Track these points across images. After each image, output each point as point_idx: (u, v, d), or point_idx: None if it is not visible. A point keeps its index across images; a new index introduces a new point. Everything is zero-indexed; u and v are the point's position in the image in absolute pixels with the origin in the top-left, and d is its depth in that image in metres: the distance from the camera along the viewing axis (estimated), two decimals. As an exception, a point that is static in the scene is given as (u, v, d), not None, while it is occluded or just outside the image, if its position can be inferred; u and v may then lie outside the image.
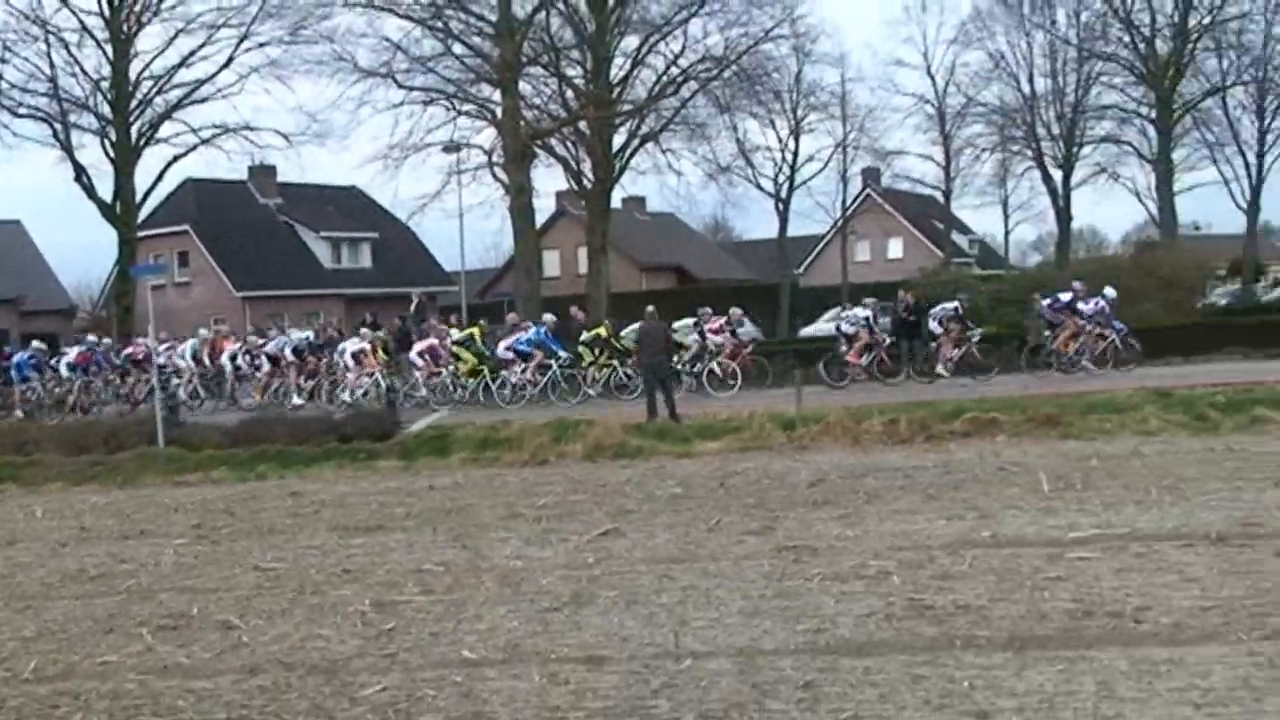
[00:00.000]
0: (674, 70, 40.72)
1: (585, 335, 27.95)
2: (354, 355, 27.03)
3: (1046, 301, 26.80)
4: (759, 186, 54.40)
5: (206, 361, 29.75)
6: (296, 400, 27.25)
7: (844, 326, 27.21)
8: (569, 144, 42.39)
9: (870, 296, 30.89)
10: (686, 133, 43.00)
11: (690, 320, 27.92)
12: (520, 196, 37.55)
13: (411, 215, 43.70)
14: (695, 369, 26.62)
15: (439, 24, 37.53)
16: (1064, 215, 57.70)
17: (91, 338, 32.53)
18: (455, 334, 28.07)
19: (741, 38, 41.04)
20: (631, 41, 41.08)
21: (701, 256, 68.02)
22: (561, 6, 39.41)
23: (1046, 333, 26.70)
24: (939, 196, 62.04)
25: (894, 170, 63.07)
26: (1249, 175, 55.70)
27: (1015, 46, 56.76)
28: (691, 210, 78.92)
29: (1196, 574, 9.34)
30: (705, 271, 63.50)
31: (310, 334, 28.96)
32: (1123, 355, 25.76)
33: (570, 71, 41.23)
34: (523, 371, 26.65)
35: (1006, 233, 65.83)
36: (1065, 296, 26.29)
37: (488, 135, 40.31)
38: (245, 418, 23.88)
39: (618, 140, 41.78)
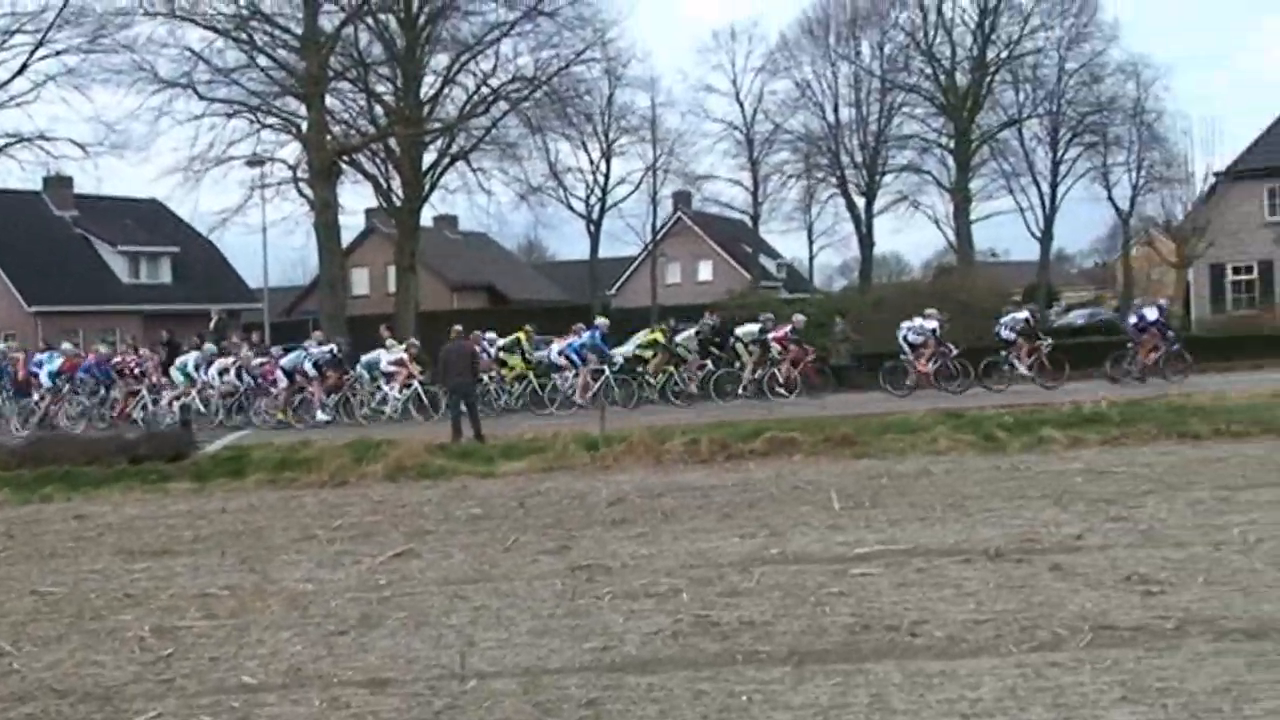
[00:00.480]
0: (485, 90, 40.77)
1: (642, 339, 28.36)
2: (391, 364, 26.83)
3: (1133, 320, 28.77)
4: (570, 207, 54.84)
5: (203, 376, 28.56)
6: (322, 416, 26.59)
7: (910, 336, 27.97)
8: (378, 161, 42.05)
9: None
10: (497, 152, 43.06)
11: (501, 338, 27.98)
12: (325, 212, 37.08)
13: (212, 230, 42.89)
14: (757, 375, 27.23)
15: (243, 35, 36.90)
16: (867, 241, 59.41)
17: (67, 345, 30.90)
18: (498, 339, 27.98)
19: (553, 59, 41.31)
20: (442, 59, 41.07)
21: (513, 276, 67.93)
22: (370, 22, 39.08)
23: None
24: (748, 221, 63.27)
25: (704, 194, 64.36)
26: (1043, 204, 58.28)
27: (821, 76, 58.43)
28: (503, 230, 78.75)
29: (973, 588, 9.64)
30: (517, 291, 63.44)
31: (333, 347, 28.03)
32: (1177, 365, 27.59)
33: (379, 88, 40.94)
34: (575, 376, 26.58)
35: (811, 257, 67.61)
36: (1151, 314, 28.20)
37: (293, 150, 39.80)
38: (37, 436, 23.04)
39: (428, 158, 41.59)
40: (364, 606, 10.16)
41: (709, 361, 27.86)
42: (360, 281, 58.78)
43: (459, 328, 25.60)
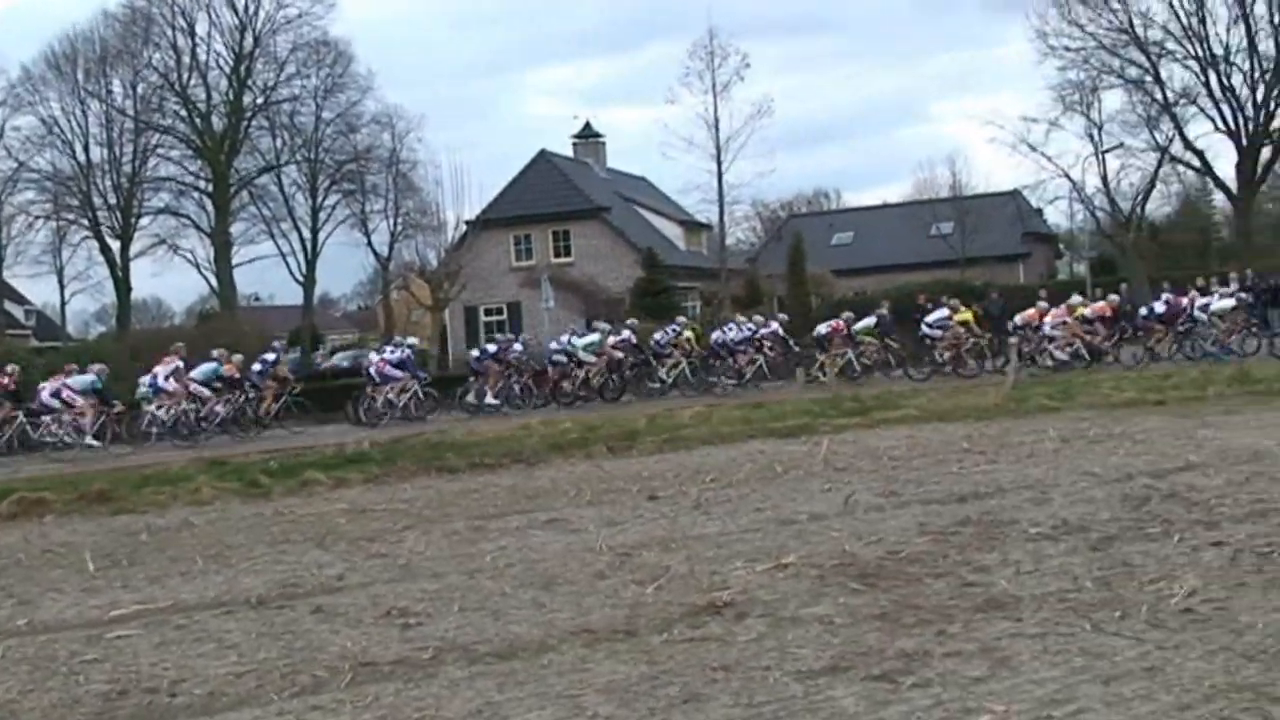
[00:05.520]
0: None
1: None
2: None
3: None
4: None
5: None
6: None
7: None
8: None
9: None
10: None
11: None
12: None
13: None
14: None
15: None
16: (123, 286, 57.41)
17: None
18: None
19: None
20: None
21: None
22: None
23: None
24: (-10, 265, 58.89)
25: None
26: (305, 249, 59.20)
27: (70, 114, 55.96)
28: None
29: (234, 640, 9.51)
30: None
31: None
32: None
33: None
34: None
35: (63, 303, 64.03)
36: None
37: None
38: None
39: None
40: None
41: None
42: None
43: None
